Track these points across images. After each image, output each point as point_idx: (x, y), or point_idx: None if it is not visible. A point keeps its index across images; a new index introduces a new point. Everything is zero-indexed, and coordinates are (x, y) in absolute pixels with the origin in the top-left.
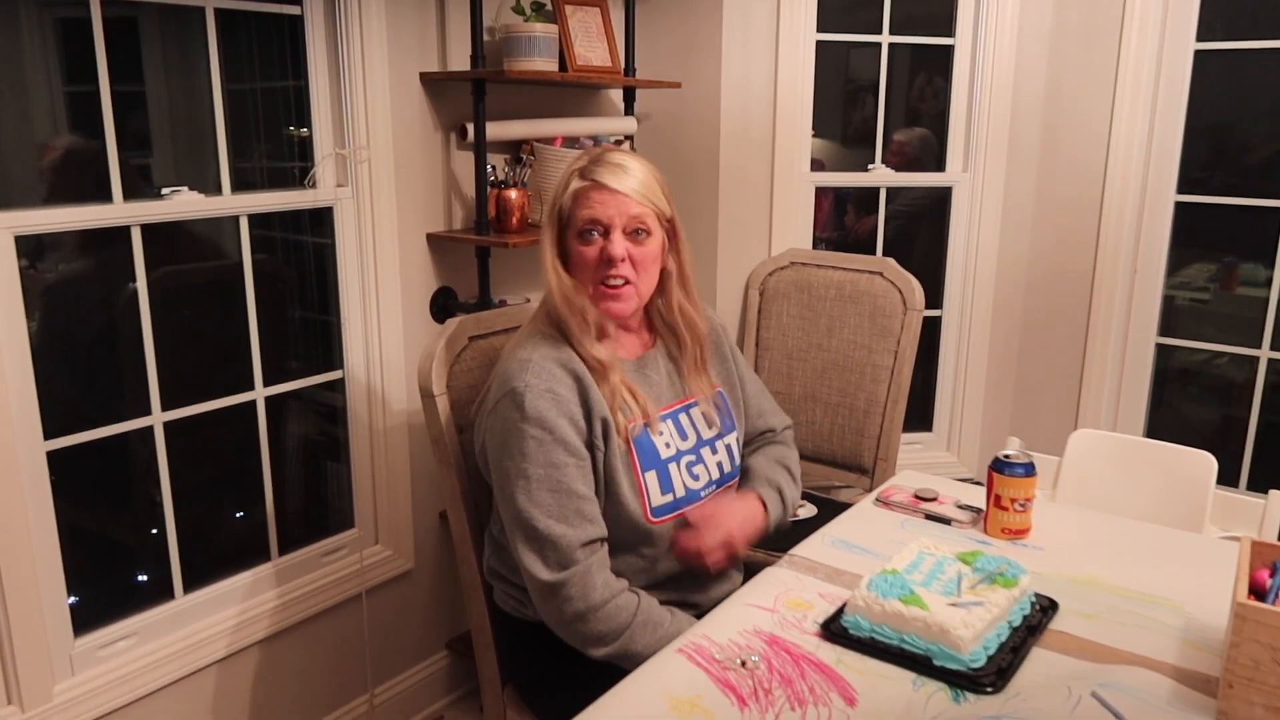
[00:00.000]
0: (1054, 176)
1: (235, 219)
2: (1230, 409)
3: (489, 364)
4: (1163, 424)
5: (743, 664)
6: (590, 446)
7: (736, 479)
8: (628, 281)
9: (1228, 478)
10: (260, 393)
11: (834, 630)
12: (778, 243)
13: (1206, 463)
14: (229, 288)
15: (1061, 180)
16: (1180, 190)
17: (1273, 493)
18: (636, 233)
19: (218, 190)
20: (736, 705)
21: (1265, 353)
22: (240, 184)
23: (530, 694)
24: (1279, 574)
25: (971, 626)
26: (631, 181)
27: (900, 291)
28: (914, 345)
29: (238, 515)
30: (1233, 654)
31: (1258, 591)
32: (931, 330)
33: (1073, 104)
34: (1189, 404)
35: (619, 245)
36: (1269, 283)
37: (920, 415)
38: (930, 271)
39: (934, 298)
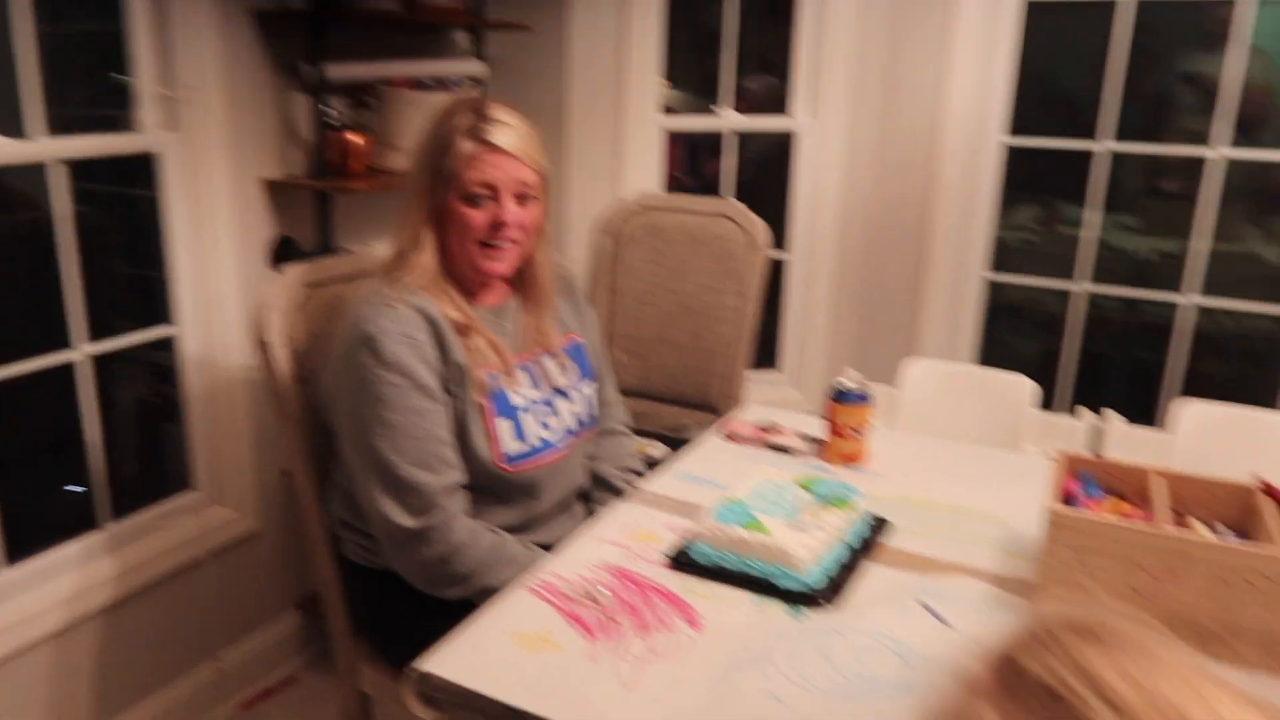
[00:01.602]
0: (894, 121)
1: (52, 167)
2: (1054, 340)
3: (332, 314)
4: (993, 357)
5: (591, 598)
6: (446, 390)
7: (595, 428)
8: (515, 243)
9: (1052, 404)
10: (83, 352)
11: (681, 560)
12: (629, 188)
13: (1025, 386)
14: (45, 242)
15: (901, 125)
16: (1008, 133)
17: (1080, 409)
18: (525, 197)
19: (27, 136)
20: (585, 637)
21: (1083, 286)
22: (56, 130)
23: (383, 643)
24: (1087, 483)
25: (810, 548)
26: (522, 144)
27: (747, 234)
28: (760, 286)
29: (66, 482)
30: (1046, 558)
31: (1068, 500)
32: (779, 272)
33: (911, 50)
34: (1017, 337)
35: (512, 211)
36: (1088, 223)
37: (768, 355)
38: (778, 215)
39: (782, 240)
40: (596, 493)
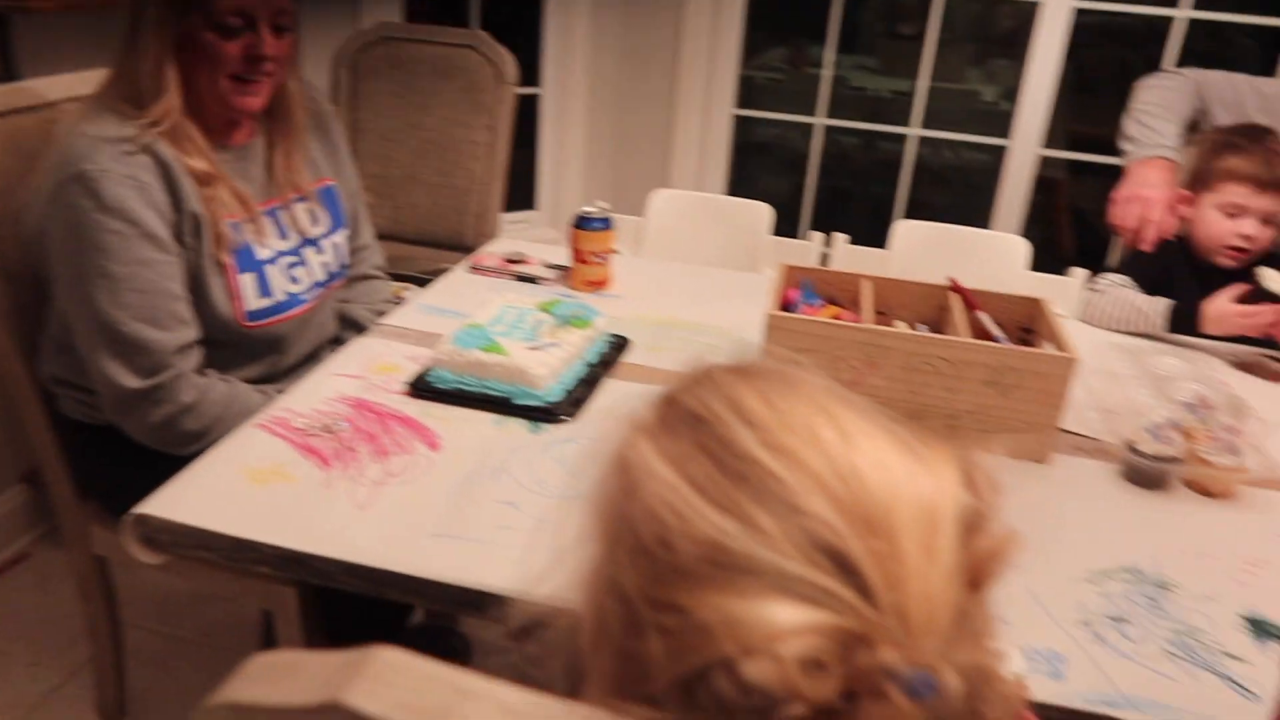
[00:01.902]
0: None
1: None
2: (800, 177)
3: (20, 149)
4: (744, 193)
5: (328, 429)
6: (180, 241)
7: (345, 278)
8: (270, 76)
9: (796, 234)
10: None
11: (420, 386)
12: (366, 19)
13: (763, 211)
14: None
15: None
16: None
17: (812, 233)
18: (280, 27)
19: None
20: (320, 466)
21: (820, 120)
22: None
23: (112, 501)
24: (806, 292)
25: (549, 366)
26: None
27: (494, 65)
28: (509, 120)
29: None
30: (765, 354)
31: (788, 307)
32: (532, 108)
33: None
34: (766, 174)
35: (270, 42)
36: (833, 64)
37: (524, 194)
38: (528, 48)
39: (535, 77)
40: (345, 334)
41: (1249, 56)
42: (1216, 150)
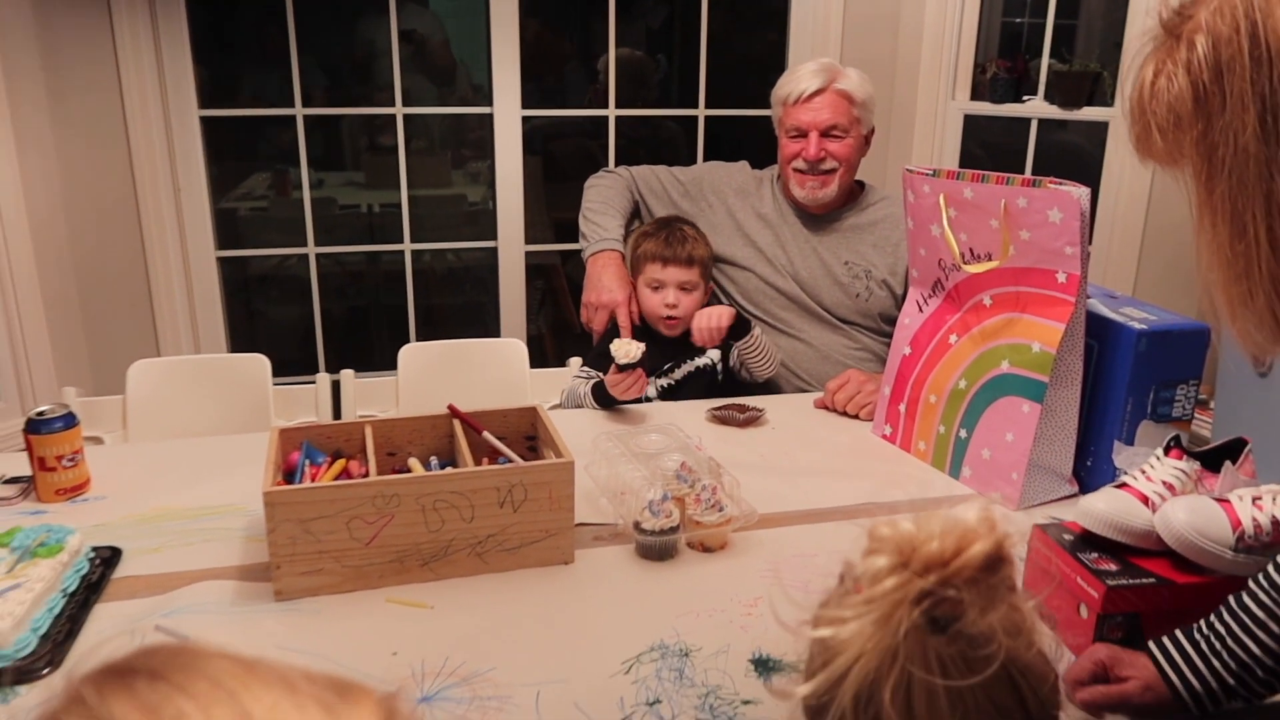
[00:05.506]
0: (69, 116)
1: None
2: (305, 305)
3: None
4: (252, 332)
5: None
6: None
7: None
8: None
9: (310, 368)
10: None
11: None
12: None
13: (261, 364)
14: None
15: (78, 118)
16: (201, 108)
17: (320, 375)
18: None
19: None
20: None
21: (310, 249)
22: None
23: None
24: (310, 452)
25: (9, 614)
26: None
27: None
28: None
29: None
30: (273, 538)
31: (292, 474)
32: None
33: (73, 30)
34: (273, 306)
35: None
36: (319, 185)
37: None
38: None
39: None
40: None
41: (678, 140)
42: (637, 241)
